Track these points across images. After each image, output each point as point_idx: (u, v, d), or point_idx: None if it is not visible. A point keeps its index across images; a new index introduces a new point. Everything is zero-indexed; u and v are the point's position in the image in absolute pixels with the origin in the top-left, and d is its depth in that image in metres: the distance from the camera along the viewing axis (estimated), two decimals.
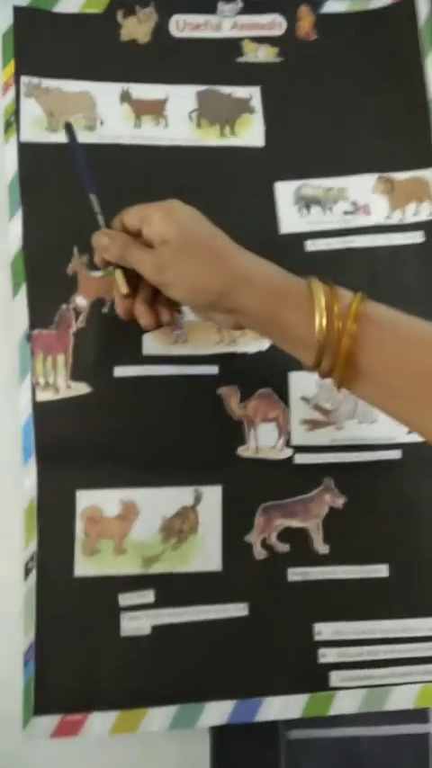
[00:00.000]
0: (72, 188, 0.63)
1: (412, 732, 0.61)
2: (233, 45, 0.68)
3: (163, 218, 0.51)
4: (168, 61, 0.67)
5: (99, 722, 0.57)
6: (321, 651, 0.59)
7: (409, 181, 0.68)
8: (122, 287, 0.55)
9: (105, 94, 0.66)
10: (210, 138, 0.66)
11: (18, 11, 0.65)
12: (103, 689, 0.57)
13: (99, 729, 0.57)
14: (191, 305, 0.54)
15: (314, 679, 0.59)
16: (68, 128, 0.58)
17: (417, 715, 0.61)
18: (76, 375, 0.61)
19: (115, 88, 0.66)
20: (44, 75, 0.65)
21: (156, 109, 0.66)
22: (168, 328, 0.62)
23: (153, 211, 0.52)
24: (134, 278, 0.55)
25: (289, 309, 0.48)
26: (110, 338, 0.62)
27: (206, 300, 0.51)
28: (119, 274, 0.55)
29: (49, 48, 0.66)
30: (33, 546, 0.59)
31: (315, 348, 0.47)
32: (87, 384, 0.61)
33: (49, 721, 0.56)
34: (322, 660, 0.59)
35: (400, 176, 0.68)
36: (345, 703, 0.58)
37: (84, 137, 0.64)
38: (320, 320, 0.46)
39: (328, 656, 0.59)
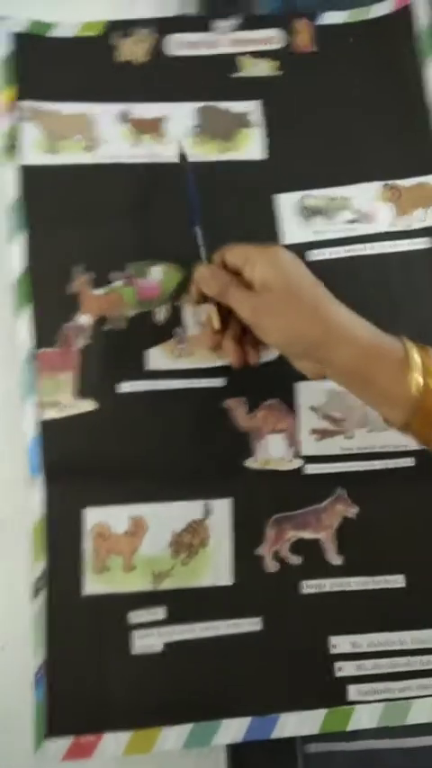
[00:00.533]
0: (73, 208, 0.64)
1: None
2: (230, 61, 0.69)
3: (267, 264, 0.53)
4: (166, 80, 0.68)
5: (112, 743, 0.56)
6: (338, 665, 0.58)
7: (415, 187, 0.68)
8: (216, 322, 0.57)
9: (104, 115, 0.66)
10: (210, 153, 0.67)
11: (16, 37, 0.67)
12: (116, 709, 0.57)
13: (112, 750, 0.56)
14: (282, 351, 0.55)
15: (331, 693, 0.57)
16: (183, 159, 0.60)
17: None
18: (81, 392, 0.61)
19: (114, 108, 0.67)
20: (43, 99, 0.66)
21: (155, 127, 0.67)
22: (173, 342, 0.62)
23: (257, 255, 0.53)
24: (225, 314, 0.57)
25: (381, 367, 0.50)
26: (114, 355, 0.62)
27: (300, 350, 0.53)
28: (213, 310, 0.57)
29: (47, 72, 0.67)
30: (42, 565, 0.58)
31: (406, 407, 0.49)
32: (93, 401, 0.61)
33: (61, 744, 0.56)
34: (339, 674, 0.58)
35: (406, 183, 0.67)
36: (364, 718, 0.57)
37: (84, 158, 0.65)
38: (417, 379, 0.48)
39: (344, 669, 0.58)
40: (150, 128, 0.66)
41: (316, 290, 0.53)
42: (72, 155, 0.65)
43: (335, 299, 0.53)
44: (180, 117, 0.67)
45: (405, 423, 0.49)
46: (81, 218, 0.64)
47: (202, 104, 0.67)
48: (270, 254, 0.54)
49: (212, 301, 0.57)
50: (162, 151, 0.66)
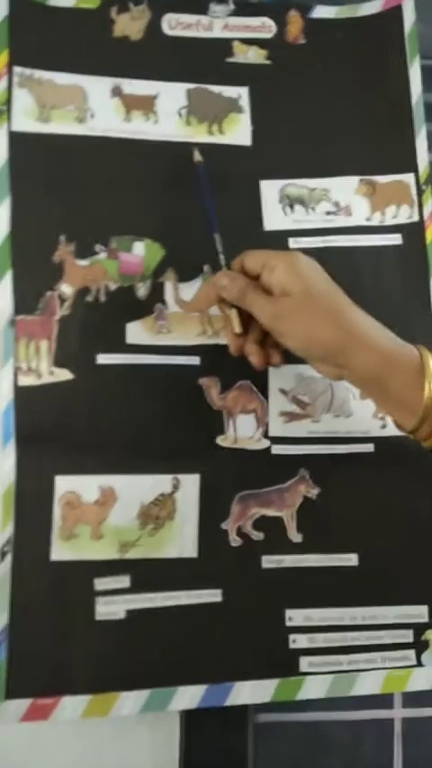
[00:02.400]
0: (61, 178, 0.64)
1: (377, 717, 0.63)
2: (223, 45, 0.70)
3: (286, 270, 0.53)
4: (160, 58, 0.68)
5: (70, 706, 0.57)
6: (292, 637, 0.61)
7: (390, 184, 0.70)
8: (236, 326, 0.59)
9: (97, 88, 0.66)
10: (198, 135, 0.68)
11: (13, 2, 0.66)
12: (76, 673, 0.58)
13: (70, 714, 0.57)
14: (302, 354, 0.55)
15: (284, 664, 0.60)
16: (199, 168, 0.62)
17: (382, 701, 0.63)
18: (58, 361, 0.62)
19: (107, 82, 0.67)
20: (37, 67, 0.65)
21: (146, 104, 0.67)
22: (153, 318, 0.63)
23: (277, 261, 0.54)
24: (246, 318, 0.58)
25: (397, 374, 0.51)
26: (94, 326, 0.63)
27: (319, 354, 0.54)
28: (234, 314, 0.59)
29: (43, 40, 0.66)
30: (10, 530, 0.59)
31: (419, 413, 0.50)
32: (70, 371, 0.62)
33: (21, 705, 0.57)
34: (293, 646, 0.60)
35: (382, 179, 0.70)
36: (313, 688, 0.60)
37: (74, 129, 0.65)
38: (430, 388, 0.49)
39: (298, 641, 0.60)
40: (141, 104, 0.67)
41: (335, 295, 0.54)
42: (63, 125, 0.65)
43: (354, 305, 0.54)
44: (171, 96, 0.68)
45: (415, 428, 0.51)
46: (68, 188, 0.64)
47: (194, 86, 0.68)
48: (288, 259, 0.54)
49: (233, 306, 0.58)
50: (152, 128, 0.67)
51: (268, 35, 0.71)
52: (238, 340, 0.59)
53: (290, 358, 0.59)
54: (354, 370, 0.52)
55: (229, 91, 0.69)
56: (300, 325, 0.53)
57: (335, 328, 0.52)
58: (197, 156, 0.64)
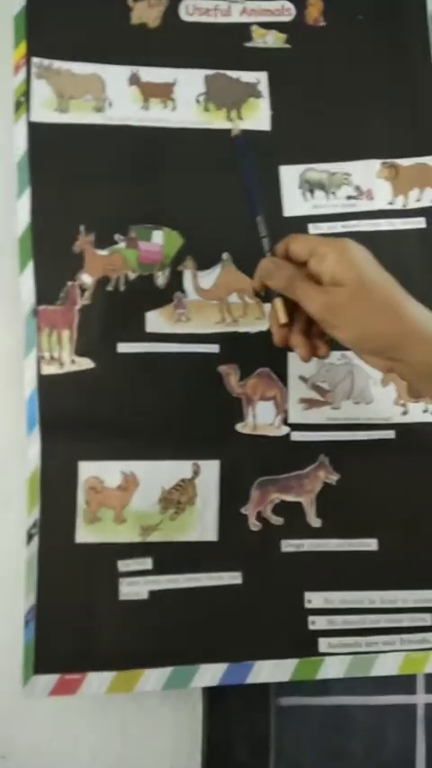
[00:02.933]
0: (80, 167, 0.65)
1: (400, 702, 0.64)
2: (242, 30, 0.69)
3: (338, 258, 0.50)
4: (177, 45, 0.68)
5: (96, 682, 0.59)
6: (311, 618, 0.62)
7: (413, 167, 0.69)
8: (282, 316, 0.55)
9: (115, 77, 0.67)
10: (217, 121, 0.68)
11: None
12: (101, 650, 0.60)
13: (96, 689, 0.59)
14: (353, 347, 0.53)
15: (303, 645, 0.61)
16: (241, 149, 0.60)
17: (404, 686, 0.64)
18: (80, 350, 0.63)
19: (125, 71, 0.67)
20: (55, 57, 0.66)
21: (164, 92, 0.67)
22: (172, 307, 0.64)
23: (327, 249, 0.51)
24: (291, 307, 0.55)
25: None
26: (114, 315, 0.64)
27: (372, 347, 0.52)
28: (279, 303, 0.55)
29: (60, 30, 0.67)
30: (36, 513, 0.61)
31: None
32: (91, 359, 0.63)
33: (48, 680, 0.59)
34: (312, 627, 0.61)
35: (405, 162, 0.69)
36: (332, 668, 0.61)
37: (93, 118, 0.66)
38: None
39: (317, 623, 0.61)
40: (159, 92, 0.67)
41: (390, 286, 0.51)
42: (81, 114, 0.66)
43: (409, 296, 0.51)
44: (189, 83, 0.68)
45: None
46: (87, 178, 0.65)
47: (212, 72, 0.68)
48: (339, 246, 0.51)
49: (278, 295, 0.56)
50: (170, 116, 0.67)
51: (287, 18, 0.70)
52: (283, 331, 0.56)
53: None
54: (410, 364, 0.50)
55: (247, 76, 0.68)
56: (354, 317, 0.50)
57: (391, 321, 0.49)
58: (235, 131, 0.61)
